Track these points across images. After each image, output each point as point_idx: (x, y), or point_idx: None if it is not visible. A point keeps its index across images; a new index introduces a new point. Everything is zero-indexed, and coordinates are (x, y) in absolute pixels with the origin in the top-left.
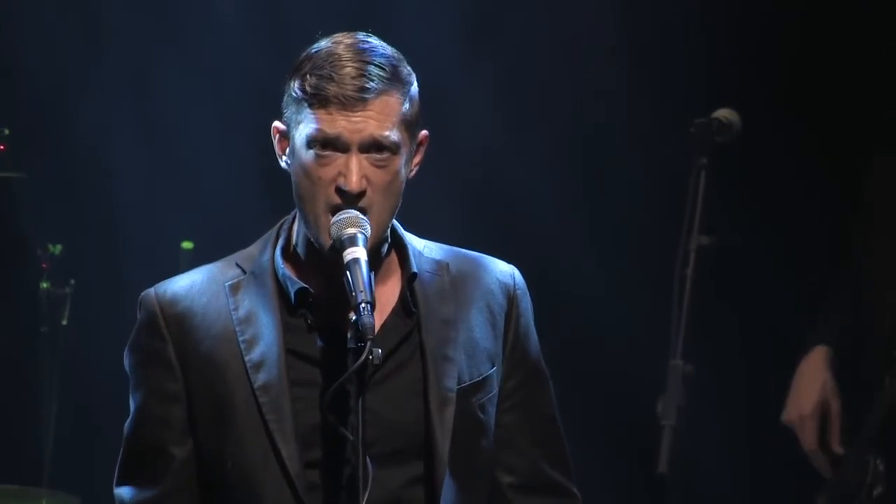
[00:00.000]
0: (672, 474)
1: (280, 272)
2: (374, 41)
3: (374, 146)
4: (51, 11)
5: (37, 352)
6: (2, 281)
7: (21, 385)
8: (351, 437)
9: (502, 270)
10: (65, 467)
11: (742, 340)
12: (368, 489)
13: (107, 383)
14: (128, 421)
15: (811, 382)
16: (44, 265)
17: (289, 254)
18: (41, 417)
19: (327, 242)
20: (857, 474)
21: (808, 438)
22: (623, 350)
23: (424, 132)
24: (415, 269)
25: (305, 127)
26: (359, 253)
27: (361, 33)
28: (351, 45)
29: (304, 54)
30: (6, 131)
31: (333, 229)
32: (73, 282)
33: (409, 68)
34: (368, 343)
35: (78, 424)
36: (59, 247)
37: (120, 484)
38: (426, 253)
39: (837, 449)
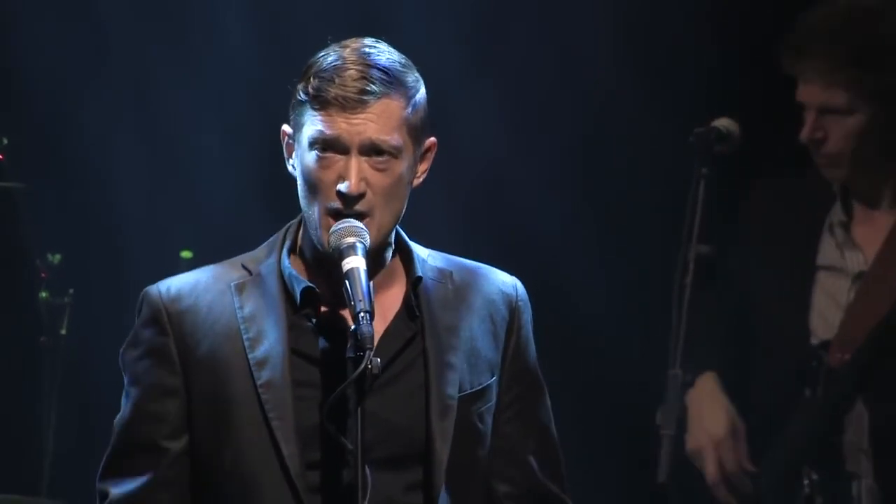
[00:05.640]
0: (672, 484)
1: (286, 272)
2: (383, 46)
3: (373, 149)
4: (51, 20)
5: (36, 361)
6: (1, 290)
7: (20, 395)
8: (350, 446)
9: (504, 281)
10: (64, 477)
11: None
12: (367, 498)
13: (107, 393)
14: (119, 416)
15: (713, 407)
16: (43, 274)
17: (295, 255)
18: (41, 427)
19: (328, 244)
20: (787, 487)
21: (729, 459)
22: (623, 359)
23: (432, 139)
24: (419, 274)
25: (307, 129)
26: (357, 262)
27: (371, 38)
28: (356, 49)
29: (313, 58)
30: (5, 141)
31: (332, 238)
32: (72, 291)
33: (416, 75)
34: (367, 353)
35: (78, 434)
36: (58, 256)
37: (105, 478)
38: (430, 261)
39: (750, 467)
